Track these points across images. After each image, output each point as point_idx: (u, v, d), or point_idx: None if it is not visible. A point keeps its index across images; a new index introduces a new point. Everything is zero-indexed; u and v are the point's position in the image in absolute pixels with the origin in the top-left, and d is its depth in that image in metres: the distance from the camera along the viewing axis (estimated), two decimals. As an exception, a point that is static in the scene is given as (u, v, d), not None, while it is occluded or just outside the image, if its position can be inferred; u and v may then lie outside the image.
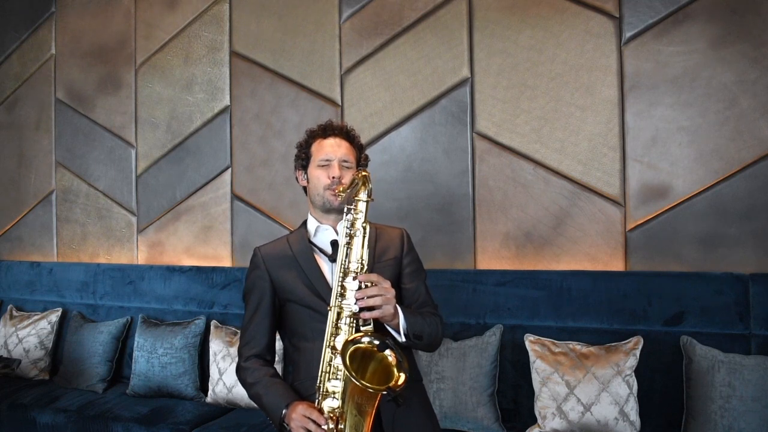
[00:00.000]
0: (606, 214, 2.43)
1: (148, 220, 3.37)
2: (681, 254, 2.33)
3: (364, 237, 1.43)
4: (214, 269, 3.01)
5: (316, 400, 1.39)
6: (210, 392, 2.67)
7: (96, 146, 3.52)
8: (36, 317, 3.24)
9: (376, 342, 1.35)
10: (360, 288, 1.39)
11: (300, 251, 1.59)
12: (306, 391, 1.49)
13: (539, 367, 2.18)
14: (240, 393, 2.56)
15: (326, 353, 1.39)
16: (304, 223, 1.66)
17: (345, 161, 1.57)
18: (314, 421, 1.35)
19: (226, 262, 3.14)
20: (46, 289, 3.42)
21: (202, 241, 3.21)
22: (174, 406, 2.63)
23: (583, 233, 2.47)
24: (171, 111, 3.31)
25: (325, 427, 1.34)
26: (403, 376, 1.29)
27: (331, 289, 1.49)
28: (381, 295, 1.38)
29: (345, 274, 1.42)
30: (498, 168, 2.60)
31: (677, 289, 2.21)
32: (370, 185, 1.46)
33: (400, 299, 1.61)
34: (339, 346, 1.37)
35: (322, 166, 1.56)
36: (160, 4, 3.35)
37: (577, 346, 2.20)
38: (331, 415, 1.35)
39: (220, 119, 3.18)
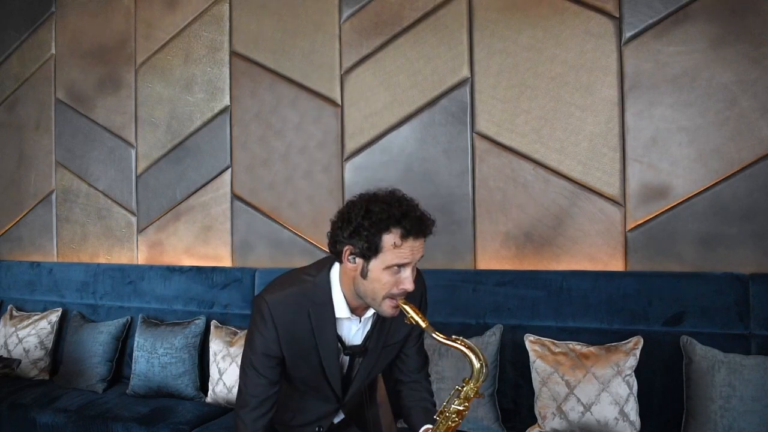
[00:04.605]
0: (606, 214, 2.43)
1: (148, 220, 3.37)
2: (681, 254, 2.33)
3: (458, 423, 1.34)
4: (214, 269, 3.01)
5: None
6: (210, 392, 2.67)
7: (96, 146, 3.52)
8: (36, 317, 3.24)
9: None
10: None
11: (326, 346, 1.38)
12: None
13: (539, 367, 2.18)
14: (240, 393, 2.57)
15: None
16: (328, 288, 1.39)
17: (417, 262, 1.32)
18: None
19: (226, 262, 3.14)
20: (46, 289, 3.42)
21: (202, 241, 3.21)
22: (174, 406, 2.63)
23: (583, 233, 2.47)
24: (171, 111, 3.31)
25: None
26: None
27: (342, 378, 1.45)
28: None
29: None
30: (498, 168, 2.60)
31: (677, 289, 2.21)
32: (486, 377, 1.30)
33: (391, 363, 1.56)
34: None
35: (393, 269, 1.28)
36: (160, 4, 3.35)
37: (577, 346, 2.20)
38: None
39: (220, 119, 3.18)
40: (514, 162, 2.57)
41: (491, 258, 2.61)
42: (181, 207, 3.28)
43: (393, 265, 1.26)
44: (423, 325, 1.28)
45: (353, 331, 1.44)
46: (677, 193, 2.34)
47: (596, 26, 2.45)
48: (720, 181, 2.28)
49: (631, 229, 2.40)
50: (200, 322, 2.85)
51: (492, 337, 2.32)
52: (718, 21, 2.28)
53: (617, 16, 2.42)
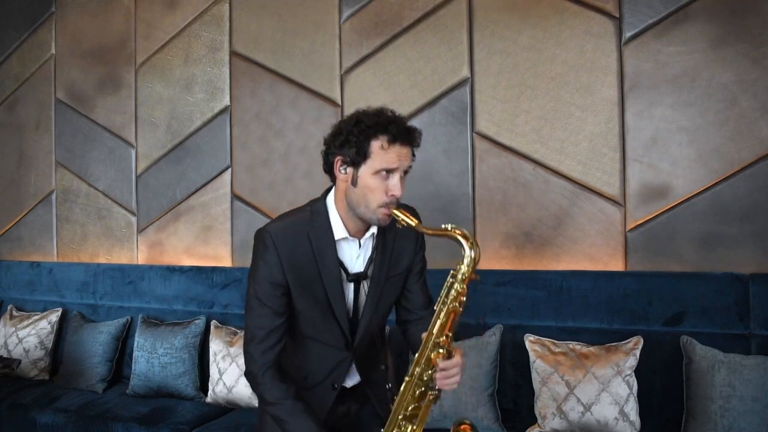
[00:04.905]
0: (606, 214, 2.43)
1: (148, 220, 3.37)
2: (681, 254, 2.33)
3: (459, 312, 1.33)
4: (214, 269, 3.01)
5: None
6: (210, 392, 2.67)
7: (96, 146, 3.52)
8: (36, 317, 3.24)
9: None
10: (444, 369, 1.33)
11: (328, 270, 1.40)
12: None
13: (539, 367, 2.18)
14: (240, 393, 2.56)
15: (398, 421, 1.36)
16: (324, 209, 1.44)
17: (405, 171, 1.36)
18: None
19: (226, 262, 3.14)
20: (46, 289, 3.42)
21: (202, 241, 3.21)
22: (174, 406, 2.63)
23: (583, 233, 2.47)
24: (171, 111, 3.31)
25: None
26: None
27: (347, 313, 1.45)
28: (459, 375, 1.34)
29: (433, 347, 1.33)
30: (498, 168, 2.60)
31: (677, 289, 2.21)
32: (479, 253, 1.31)
33: (397, 301, 1.58)
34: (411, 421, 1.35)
35: (382, 174, 1.32)
36: (160, 4, 3.35)
37: (577, 346, 2.20)
38: None
39: (220, 119, 3.18)
40: (514, 162, 2.57)
41: (491, 258, 2.61)
42: (181, 207, 3.28)
43: (381, 169, 1.31)
44: (413, 223, 1.32)
45: (354, 257, 1.45)
46: (677, 193, 2.34)
47: (596, 26, 2.45)
48: (720, 181, 2.28)
49: (631, 229, 2.40)
50: (200, 322, 2.85)
51: (492, 337, 2.32)
52: (718, 21, 2.28)
53: (617, 16, 2.42)
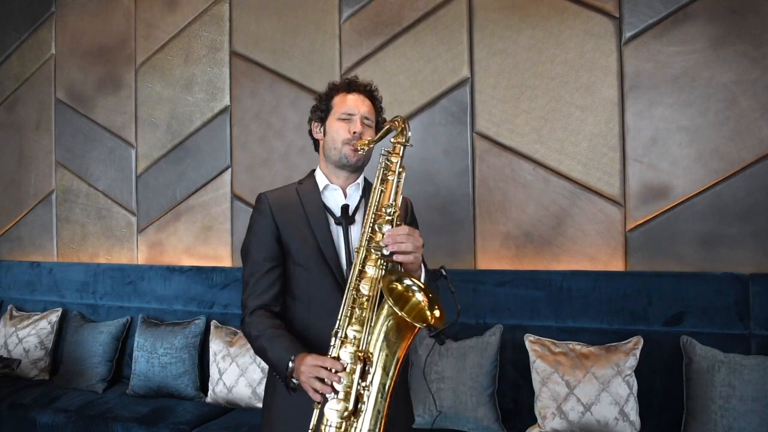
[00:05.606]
0: (606, 214, 2.43)
1: (148, 220, 3.37)
2: (681, 254, 2.33)
3: (399, 181, 1.41)
4: (214, 269, 3.01)
5: (332, 348, 1.32)
6: (210, 392, 2.67)
7: (96, 146, 3.52)
8: (36, 317, 3.24)
9: (416, 283, 1.35)
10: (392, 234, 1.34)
11: (313, 212, 1.53)
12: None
13: (539, 367, 2.18)
14: (240, 393, 2.56)
15: (349, 296, 1.34)
16: (312, 174, 1.61)
17: (366, 119, 1.53)
18: (327, 368, 1.26)
19: (226, 262, 3.14)
20: (46, 289, 3.42)
21: (202, 241, 3.21)
22: (174, 406, 2.63)
23: (583, 233, 2.47)
24: (171, 111, 3.31)
25: (344, 372, 1.26)
26: (438, 313, 1.30)
27: (337, 254, 1.49)
28: (412, 243, 1.33)
29: (376, 218, 1.38)
30: (498, 168, 2.60)
31: (677, 289, 2.21)
32: (409, 132, 1.43)
33: None
34: (365, 289, 1.33)
35: (343, 119, 1.51)
36: (160, 4, 3.35)
37: (577, 346, 2.20)
38: (359, 354, 1.27)
39: (220, 119, 3.18)
40: (514, 162, 2.57)
41: (491, 258, 2.61)
42: (181, 207, 3.28)
43: (341, 114, 1.52)
44: (366, 141, 1.48)
45: (340, 205, 1.54)
46: (677, 193, 2.34)
47: (596, 26, 2.45)
48: (720, 181, 2.28)
49: (631, 229, 2.40)
50: (200, 322, 2.85)
51: (492, 337, 2.32)
52: (718, 21, 2.28)
53: (617, 16, 2.42)
